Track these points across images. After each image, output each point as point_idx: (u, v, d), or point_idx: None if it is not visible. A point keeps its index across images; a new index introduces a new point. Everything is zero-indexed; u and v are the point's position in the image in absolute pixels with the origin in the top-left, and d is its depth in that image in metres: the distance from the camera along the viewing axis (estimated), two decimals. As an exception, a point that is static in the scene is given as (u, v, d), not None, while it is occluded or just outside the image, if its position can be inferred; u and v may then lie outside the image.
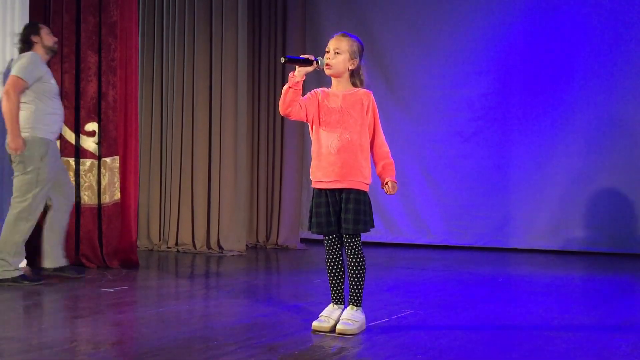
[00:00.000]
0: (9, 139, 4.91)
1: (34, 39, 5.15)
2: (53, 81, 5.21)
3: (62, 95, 5.86)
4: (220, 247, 7.17)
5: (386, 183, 3.54)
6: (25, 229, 4.99)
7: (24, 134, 4.95)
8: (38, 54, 5.12)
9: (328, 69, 3.51)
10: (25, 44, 5.15)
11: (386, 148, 3.59)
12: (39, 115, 5.04)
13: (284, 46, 8.24)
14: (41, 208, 5.13)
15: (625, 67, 7.76)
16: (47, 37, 5.21)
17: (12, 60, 5.37)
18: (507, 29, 8.23)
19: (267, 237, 8.11)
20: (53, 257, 5.25)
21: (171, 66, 7.45)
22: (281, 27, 8.29)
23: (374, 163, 3.60)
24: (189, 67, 7.36)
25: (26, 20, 5.70)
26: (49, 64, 5.33)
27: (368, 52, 3.75)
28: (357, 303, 3.52)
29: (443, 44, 8.45)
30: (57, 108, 5.21)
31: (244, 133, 7.36)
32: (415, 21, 8.59)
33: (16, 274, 4.91)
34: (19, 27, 5.55)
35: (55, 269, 5.24)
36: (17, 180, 5.01)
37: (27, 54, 5.07)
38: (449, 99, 8.43)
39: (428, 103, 8.53)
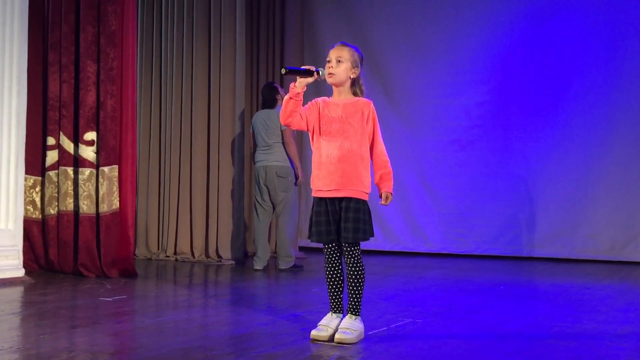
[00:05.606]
0: (299, 171, 6.52)
1: (277, 97, 6.57)
2: None
3: (61, 104, 5.89)
4: (218, 256, 7.17)
5: (380, 195, 3.57)
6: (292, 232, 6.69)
7: (286, 164, 6.48)
8: None
9: (330, 77, 3.52)
10: (272, 101, 6.59)
11: (385, 157, 3.60)
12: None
13: (282, 56, 8.26)
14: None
15: (624, 74, 7.79)
16: (284, 94, 6.51)
17: (257, 115, 6.67)
18: (504, 38, 8.27)
19: (266, 246, 8.10)
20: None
21: (170, 76, 7.47)
22: (279, 37, 8.31)
23: (372, 172, 3.61)
24: (187, 77, 7.37)
25: (25, 32, 5.72)
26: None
27: (366, 61, 3.77)
28: (355, 312, 3.52)
29: (441, 52, 8.49)
30: None
31: (242, 142, 7.37)
32: (413, 30, 8.63)
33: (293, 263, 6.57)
34: (18, 38, 5.60)
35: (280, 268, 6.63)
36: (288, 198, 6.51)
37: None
38: (447, 107, 8.46)
39: (426, 111, 8.55)
